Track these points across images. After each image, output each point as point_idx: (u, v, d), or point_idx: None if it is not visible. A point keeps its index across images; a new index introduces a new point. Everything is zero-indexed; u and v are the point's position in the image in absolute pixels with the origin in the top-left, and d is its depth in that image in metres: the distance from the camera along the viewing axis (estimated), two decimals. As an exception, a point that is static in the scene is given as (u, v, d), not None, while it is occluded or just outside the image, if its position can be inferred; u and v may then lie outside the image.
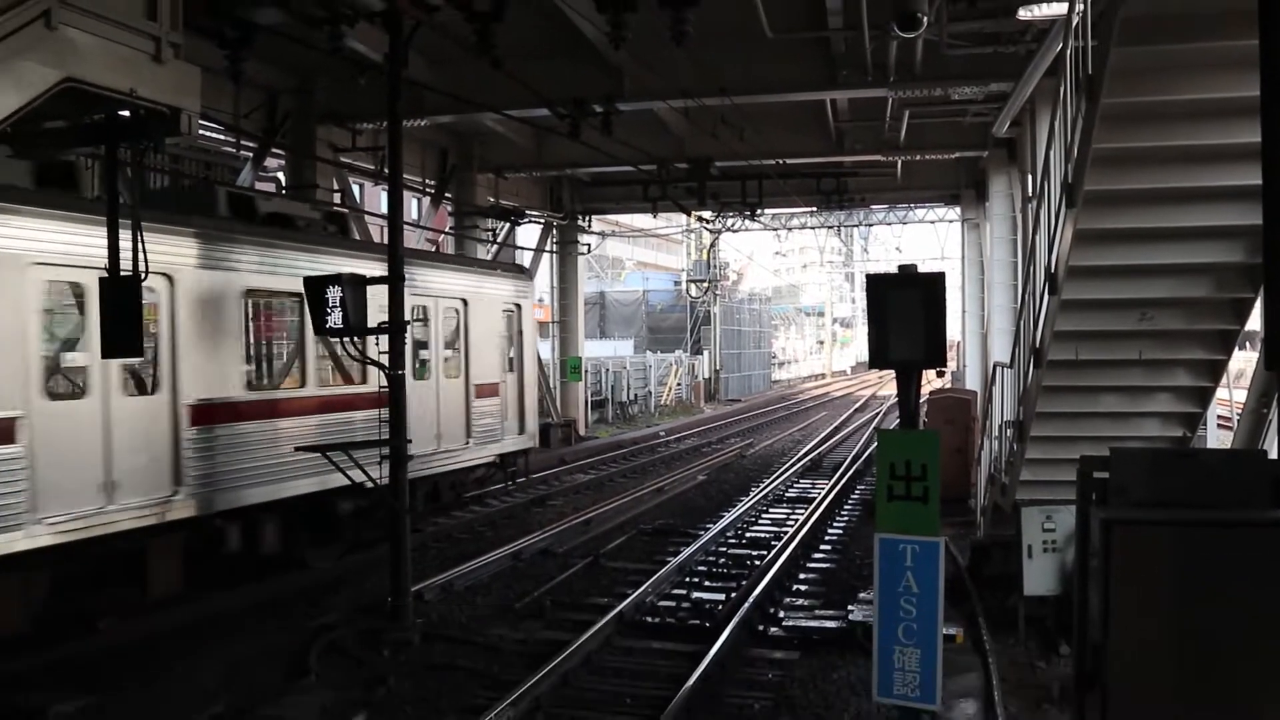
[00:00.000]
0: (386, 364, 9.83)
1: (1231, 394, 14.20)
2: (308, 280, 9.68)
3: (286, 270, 11.24)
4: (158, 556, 9.80)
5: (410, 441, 9.93)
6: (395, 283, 9.83)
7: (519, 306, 16.73)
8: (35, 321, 8.46)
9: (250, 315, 11.15)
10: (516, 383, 16.54)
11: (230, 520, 10.53)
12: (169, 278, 9.70)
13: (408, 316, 11.18)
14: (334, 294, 9.47)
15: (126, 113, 7.39)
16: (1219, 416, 14.32)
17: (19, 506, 8.12)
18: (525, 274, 18.70)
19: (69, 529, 8.57)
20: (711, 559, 12.84)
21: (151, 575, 9.78)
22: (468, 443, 14.92)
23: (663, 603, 10.65)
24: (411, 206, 26.24)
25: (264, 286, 11.24)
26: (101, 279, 8.26)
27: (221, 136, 17.58)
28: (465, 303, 14.92)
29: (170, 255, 9.59)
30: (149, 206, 9.66)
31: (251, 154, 17.49)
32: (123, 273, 8.31)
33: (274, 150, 17.78)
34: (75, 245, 8.65)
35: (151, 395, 9.71)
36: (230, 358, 10.62)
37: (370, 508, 11.90)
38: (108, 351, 8.35)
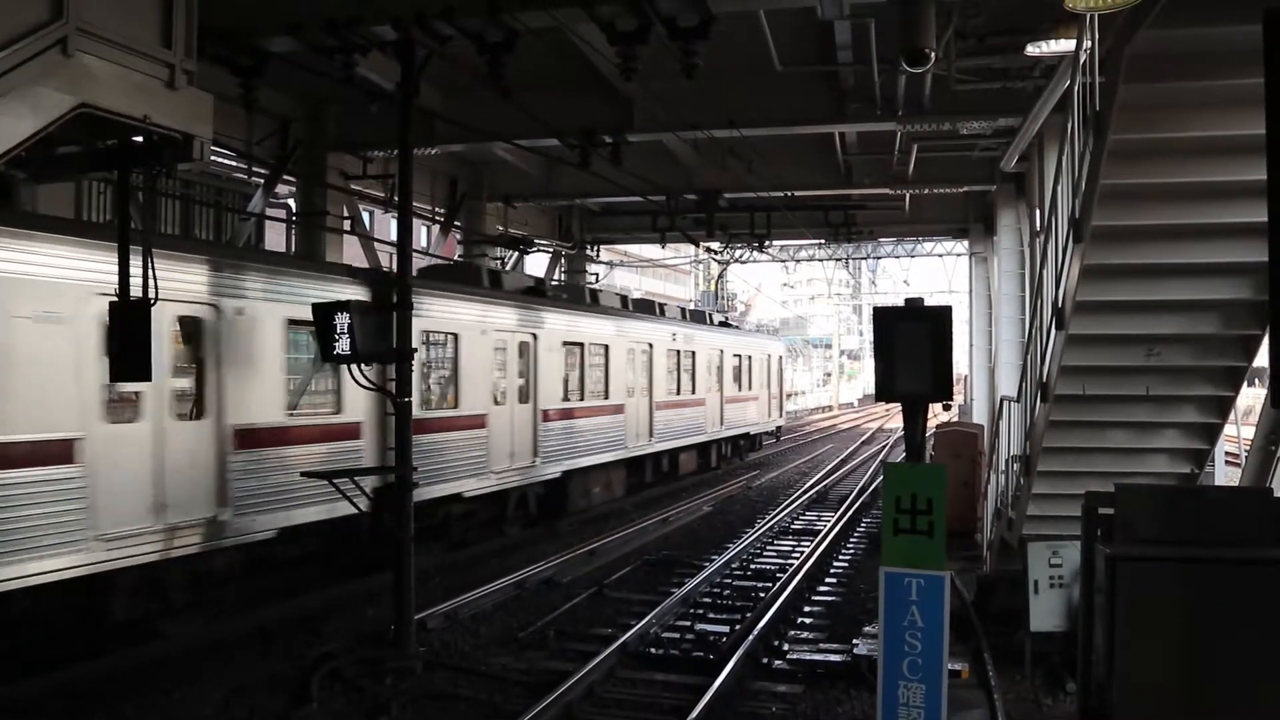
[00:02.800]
0: (395, 394, 9.83)
1: (1239, 431, 14.14)
2: (316, 306, 9.69)
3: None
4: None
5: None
6: (403, 310, 9.86)
7: (781, 357, 34.01)
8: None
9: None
10: (780, 394, 33.39)
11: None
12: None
13: (757, 364, 29.59)
14: (342, 320, 9.48)
15: (140, 139, 7.46)
16: (1227, 453, 14.27)
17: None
18: (780, 338, 41.02)
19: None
20: (716, 590, 12.78)
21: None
22: (768, 420, 31.11)
23: (666, 634, 10.59)
24: (421, 234, 26.36)
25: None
26: (111, 304, 8.30)
27: (233, 163, 17.71)
28: (770, 356, 31.43)
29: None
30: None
31: (263, 180, 17.61)
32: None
33: (285, 177, 17.90)
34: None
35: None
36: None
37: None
38: (116, 376, 8.38)
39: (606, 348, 19.18)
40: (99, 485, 8.64)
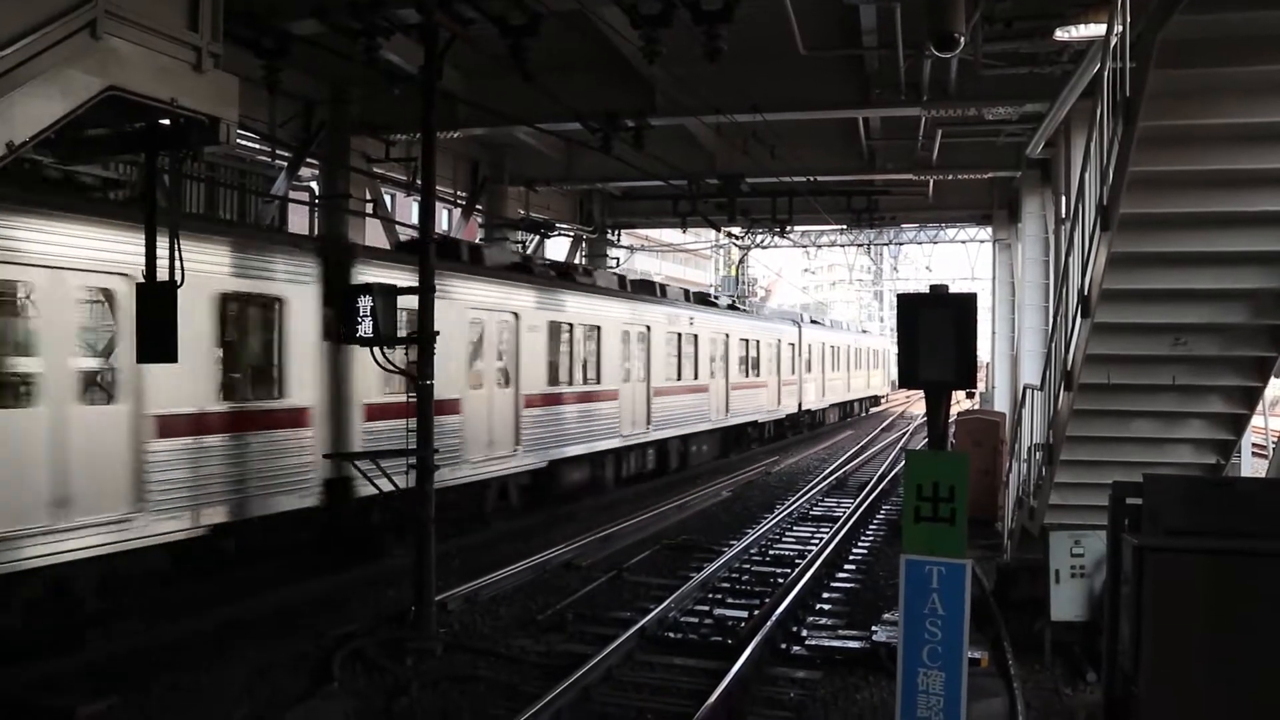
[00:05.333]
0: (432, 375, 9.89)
1: (1267, 421, 14.02)
2: (342, 289, 9.75)
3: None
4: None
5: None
6: (425, 293, 9.89)
7: (888, 350, 53.66)
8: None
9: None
10: (888, 372, 54.90)
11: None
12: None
13: (880, 354, 55.47)
14: (364, 303, 9.54)
15: (166, 121, 7.48)
16: (1254, 444, 14.13)
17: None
18: (885, 337, 57.51)
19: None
20: (735, 575, 12.80)
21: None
22: (883, 387, 55.32)
23: (685, 618, 10.62)
24: (443, 217, 26.41)
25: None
26: (138, 285, 8.34)
27: (257, 145, 17.77)
28: (885, 349, 54.06)
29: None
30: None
31: (286, 163, 17.67)
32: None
33: (308, 160, 17.95)
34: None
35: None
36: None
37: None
38: (143, 357, 8.41)
39: (843, 348, 41.28)
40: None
